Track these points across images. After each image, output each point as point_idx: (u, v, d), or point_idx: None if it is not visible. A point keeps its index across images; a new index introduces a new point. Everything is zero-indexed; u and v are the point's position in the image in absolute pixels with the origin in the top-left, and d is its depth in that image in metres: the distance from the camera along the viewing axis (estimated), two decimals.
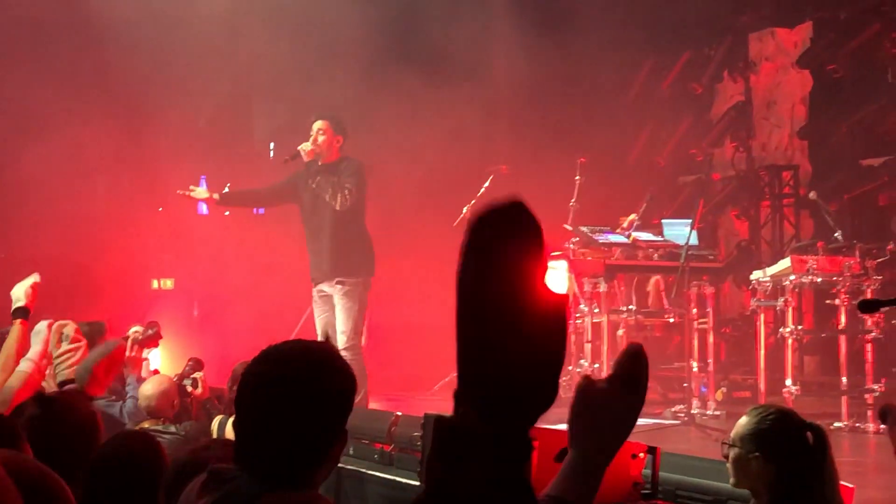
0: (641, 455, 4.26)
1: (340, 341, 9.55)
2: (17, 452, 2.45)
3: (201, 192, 10.16)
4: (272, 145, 15.90)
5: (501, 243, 1.98)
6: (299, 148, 9.72)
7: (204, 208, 15.43)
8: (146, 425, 7.15)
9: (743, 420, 4.14)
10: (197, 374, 7.83)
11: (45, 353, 5.20)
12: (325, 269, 9.69)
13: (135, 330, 7.76)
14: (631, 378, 2.20)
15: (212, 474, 2.72)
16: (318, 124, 9.78)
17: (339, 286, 9.62)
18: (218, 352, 10.81)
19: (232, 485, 2.63)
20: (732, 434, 4.13)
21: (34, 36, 12.45)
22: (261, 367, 2.75)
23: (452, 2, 12.61)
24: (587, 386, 2.18)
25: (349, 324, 9.53)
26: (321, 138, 9.72)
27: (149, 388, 7.41)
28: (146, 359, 8.27)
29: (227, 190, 10.24)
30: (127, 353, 7.64)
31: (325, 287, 9.70)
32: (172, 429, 7.08)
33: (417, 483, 6.20)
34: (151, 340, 7.94)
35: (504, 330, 1.96)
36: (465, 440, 1.94)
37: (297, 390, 2.69)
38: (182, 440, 6.70)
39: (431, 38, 12.83)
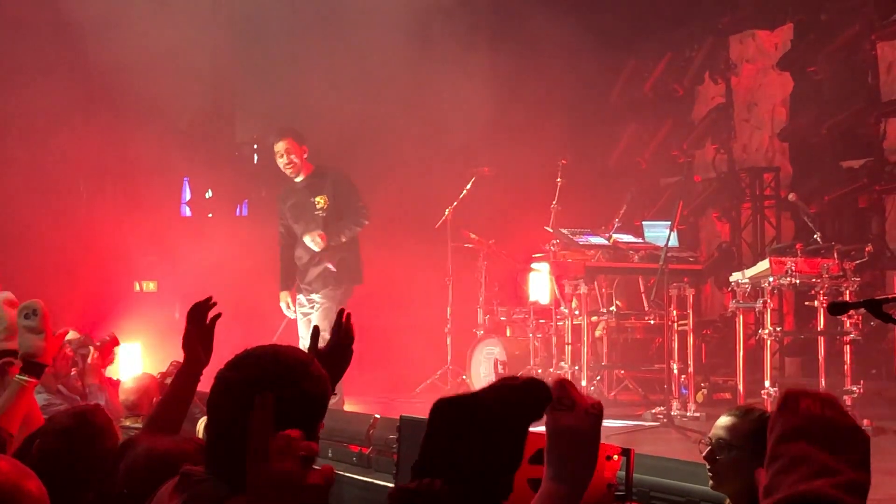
0: (615, 457, 4.28)
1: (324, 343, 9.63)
2: None
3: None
4: (255, 147, 15.91)
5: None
6: (310, 240, 9.82)
7: (187, 211, 15.47)
8: (126, 423, 7.16)
9: (734, 421, 4.06)
10: None
11: None
12: (315, 280, 9.79)
13: (71, 337, 7.70)
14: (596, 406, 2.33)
15: (183, 476, 2.74)
16: (279, 146, 9.81)
17: (322, 291, 9.70)
18: None
19: (200, 487, 2.65)
20: (728, 436, 4.04)
21: (14, 40, 12.43)
22: (233, 371, 2.75)
23: (433, 4, 12.62)
24: (555, 422, 2.28)
25: (326, 326, 9.60)
26: (292, 156, 9.77)
27: (129, 384, 7.46)
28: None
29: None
30: (89, 360, 7.67)
31: (314, 296, 9.81)
32: None
33: (394, 485, 6.22)
34: (107, 347, 7.95)
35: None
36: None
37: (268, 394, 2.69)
38: None
39: (411, 40, 12.84)
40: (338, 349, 3.83)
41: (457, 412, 2.22)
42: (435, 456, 2.15)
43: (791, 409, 2.44)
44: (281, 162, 9.80)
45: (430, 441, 2.19)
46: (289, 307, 10.14)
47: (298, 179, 9.81)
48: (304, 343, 9.99)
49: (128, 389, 7.44)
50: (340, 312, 3.87)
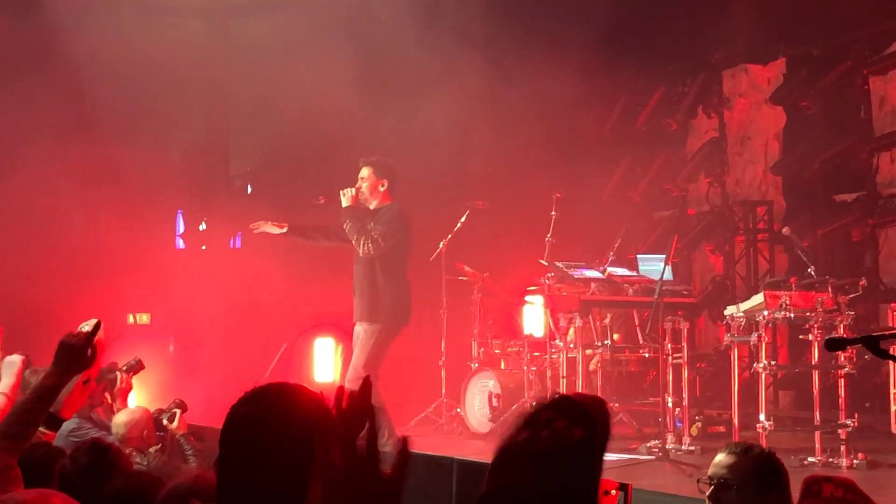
0: (613, 492, 4.28)
1: (348, 375, 9.75)
2: (48, 491, 2.48)
3: (272, 227, 10.17)
4: (249, 180, 15.94)
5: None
6: (341, 192, 9.83)
7: (181, 243, 15.47)
8: None
9: (736, 460, 4.06)
10: (176, 411, 7.91)
11: (18, 385, 5.22)
12: (357, 311, 9.84)
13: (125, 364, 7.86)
14: None
15: None
16: (361, 172, 9.94)
17: (363, 327, 9.76)
18: (193, 387, 10.80)
19: None
20: (731, 475, 4.04)
21: (8, 71, 12.46)
22: (245, 407, 2.77)
23: (428, 36, 12.67)
24: None
25: (360, 360, 9.69)
26: (364, 185, 9.87)
27: (121, 417, 7.51)
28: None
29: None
30: (118, 385, 7.78)
31: (357, 328, 9.84)
32: (137, 459, 7.14)
33: None
34: (135, 370, 8.04)
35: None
36: None
37: (279, 431, 2.71)
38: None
39: (408, 72, 12.89)
40: (355, 411, 3.78)
41: (519, 449, 2.20)
42: (499, 487, 2.13)
43: (815, 493, 2.50)
44: (356, 186, 9.89)
45: (494, 473, 2.16)
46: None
47: (371, 206, 9.90)
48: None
49: (119, 423, 7.48)
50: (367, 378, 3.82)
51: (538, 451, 2.16)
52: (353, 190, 9.86)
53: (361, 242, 9.65)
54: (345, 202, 9.82)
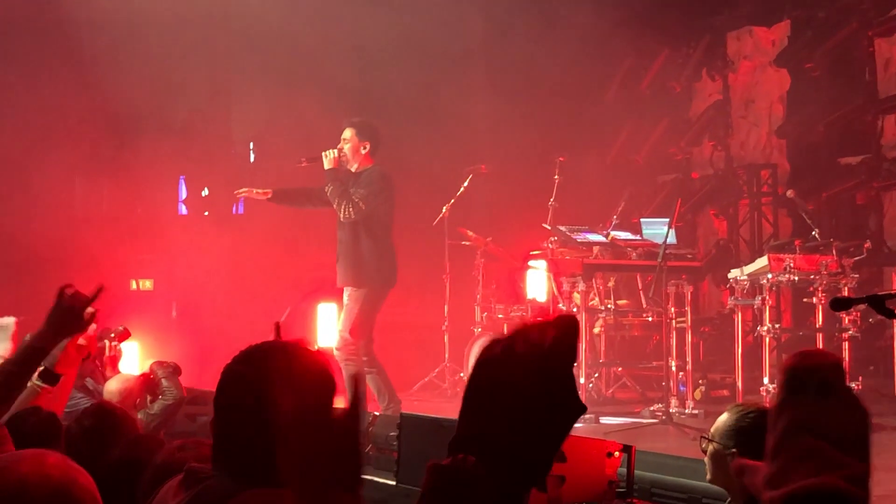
0: (617, 454, 4.28)
1: (336, 342, 9.69)
2: (44, 452, 2.44)
3: (256, 193, 10.12)
4: (251, 145, 15.89)
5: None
6: (323, 153, 9.71)
7: (183, 209, 15.45)
8: None
9: (724, 416, 4.15)
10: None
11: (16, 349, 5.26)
12: (340, 275, 9.76)
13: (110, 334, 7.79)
14: None
15: (188, 473, 2.73)
16: (344, 133, 9.78)
17: (348, 293, 9.69)
18: (196, 353, 10.80)
19: (207, 483, 2.64)
20: (712, 429, 4.15)
21: (9, 37, 12.40)
22: (240, 366, 2.74)
23: (431, 2, 12.60)
24: None
25: (347, 325, 9.59)
26: (346, 147, 9.72)
27: (113, 385, 7.48)
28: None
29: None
30: (106, 353, 7.74)
31: (345, 293, 9.78)
32: (140, 416, 7.13)
33: (394, 483, 6.21)
34: (121, 337, 7.98)
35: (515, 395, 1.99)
36: (462, 484, 1.94)
37: (275, 390, 2.69)
38: None
39: (409, 33, 12.83)
40: None
41: (496, 371, 2.08)
42: (470, 424, 2.04)
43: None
44: (338, 147, 9.78)
45: (466, 406, 2.06)
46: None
47: (353, 168, 9.77)
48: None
49: (112, 391, 7.44)
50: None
51: (514, 362, 2.05)
52: (335, 151, 9.71)
53: (343, 206, 9.51)
54: (327, 164, 9.66)
